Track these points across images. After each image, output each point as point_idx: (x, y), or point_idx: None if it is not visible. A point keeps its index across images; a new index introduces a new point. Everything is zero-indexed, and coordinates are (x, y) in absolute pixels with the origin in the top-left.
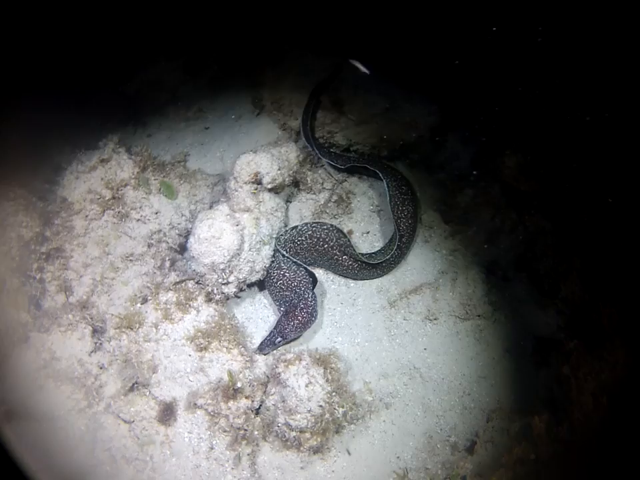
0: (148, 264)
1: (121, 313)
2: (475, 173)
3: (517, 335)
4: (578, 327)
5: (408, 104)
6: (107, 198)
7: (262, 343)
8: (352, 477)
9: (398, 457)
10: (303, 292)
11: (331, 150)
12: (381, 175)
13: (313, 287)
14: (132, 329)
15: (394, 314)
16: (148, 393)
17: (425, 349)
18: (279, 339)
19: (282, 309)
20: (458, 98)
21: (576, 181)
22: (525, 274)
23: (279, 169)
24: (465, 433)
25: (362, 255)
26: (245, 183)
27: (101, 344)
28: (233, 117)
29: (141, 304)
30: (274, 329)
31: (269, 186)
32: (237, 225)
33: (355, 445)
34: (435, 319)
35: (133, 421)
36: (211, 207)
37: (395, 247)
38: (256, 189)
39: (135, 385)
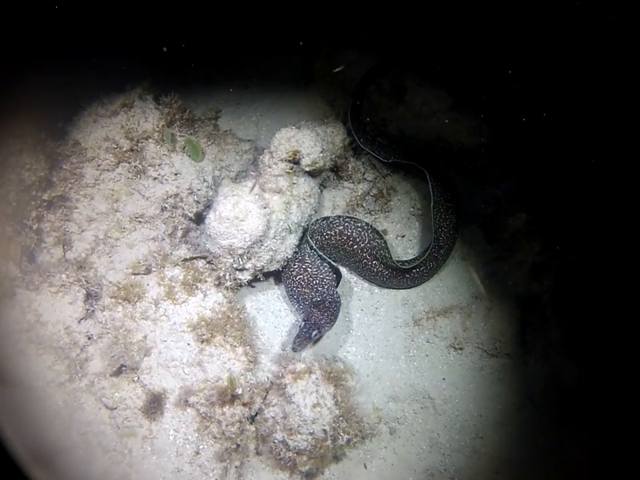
0: (158, 229)
1: (120, 281)
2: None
3: (544, 384)
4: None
5: (475, 108)
6: (124, 149)
7: (296, 339)
8: None
9: None
10: (326, 290)
11: (378, 139)
12: (428, 176)
13: (337, 284)
14: (129, 301)
15: (417, 333)
16: (136, 379)
17: (443, 378)
18: (315, 331)
19: (300, 305)
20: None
21: None
22: (563, 319)
23: (321, 151)
24: (470, 478)
25: (396, 261)
26: (282, 160)
27: (93, 311)
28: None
29: (144, 274)
30: (306, 322)
31: (307, 168)
32: (265, 208)
33: (352, 471)
34: (461, 349)
35: (116, 408)
36: (236, 179)
37: (431, 257)
38: (292, 169)
39: (123, 367)
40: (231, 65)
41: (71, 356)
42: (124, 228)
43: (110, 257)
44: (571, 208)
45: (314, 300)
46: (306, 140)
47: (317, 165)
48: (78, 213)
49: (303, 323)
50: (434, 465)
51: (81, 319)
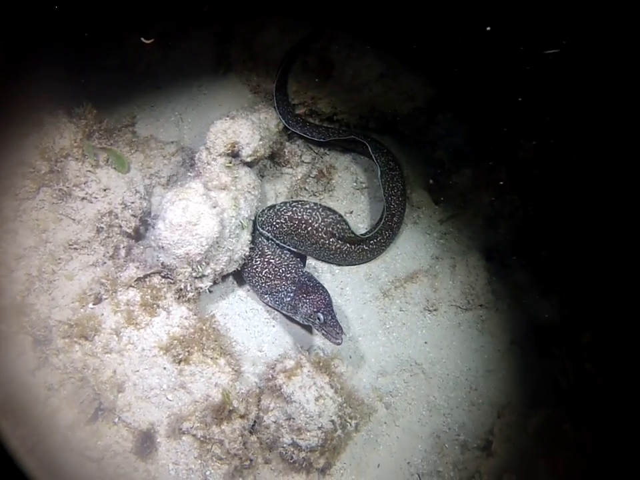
0: (97, 252)
1: (70, 318)
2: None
3: (522, 325)
4: (586, 318)
5: (407, 71)
6: (42, 172)
7: (331, 333)
8: None
9: (408, 463)
10: (296, 274)
11: (308, 120)
12: (370, 147)
13: (304, 265)
14: (86, 337)
15: (388, 304)
16: (117, 420)
17: (425, 342)
18: (330, 317)
19: (276, 299)
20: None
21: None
22: (525, 261)
23: (260, 139)
24: (474, 430)
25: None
26: (220, 155)
27: (46, 358)
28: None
29: (94, 304)
30: (323, 313)
31: (249, 159)
32: (215, 207)
33: (360, 454)
34: (435, 310)
35: (103, 458)
36: (168, 184)
37: (385, 225)
38: (230, 162)
39: (99, 411)
40: (138, 64)
41: (34, 414)
42: (59, 259)
43: (50, 293)
44: (517, 156)
45: (293, 292)
46: (243, 129)
47: (258, 154)
48: (2, 253)
49: (322, 316)
50: (437, 427)
51: (35, 370)
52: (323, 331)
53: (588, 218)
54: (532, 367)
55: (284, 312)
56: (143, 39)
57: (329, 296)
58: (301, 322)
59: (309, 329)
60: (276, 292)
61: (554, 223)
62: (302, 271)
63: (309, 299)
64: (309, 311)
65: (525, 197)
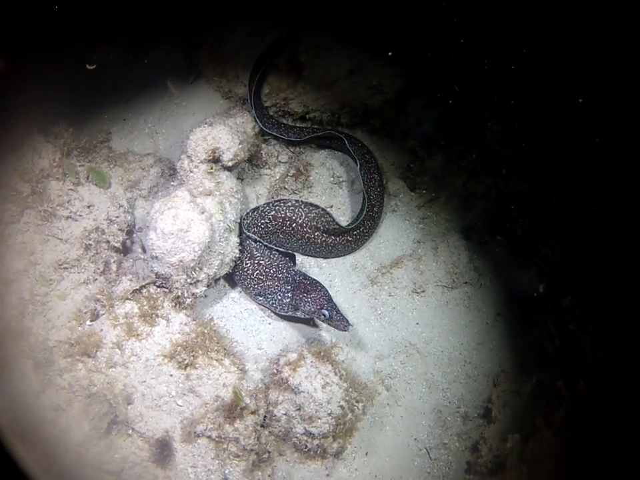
0: (87, 269)
1: (69, 337)
2: (448, 138)
3: (505, 297)
4: (565, 283)
5: (375, 66)
6: (24, 194)
7: (339, 326)
8: (377, 471)
9: (415, 439)
10: (288, 273)
11: (282, 121)
12: (347, 141)
13: (294, 264)
14: (88, 354)
15: (377, 291)
16: (131, 431)
17: (417, 323)
18: (335, 312)
19: (271, 300)
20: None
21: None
22: (502, 237)
23: (240, 143)
24: (473, 401)
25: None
26: (202, 161)
27: (49, 380)
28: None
29: (91, 321)
30: (327, 309)
31: (230, 163)
32: (204, 213)
33: (368, 437)
34: (423, 291)
35: (122, 470)
36: (149, 196)
37: (367, 216)
38: (212, 168)
39: (112, 425)
40: (105, 79)
41: (44, 436)
42: (50, 280)
43: (44, 315)
44: (486, 138)
45: (291, 292)
46: (222, 135)
47: (238, 158)
48: None
49: (326, 312)
50: (438, 402)
51: (39, 393)
52: (330, 324)
53: (558, 191)
54: (519, 335)
55: (282, 313)
56: (87, 65)
57: (327, 290)
58: (302, 317)
59: (303, 322)
60: (270, 293)
61: (527, 200)
62: (293, 270)
63: (310, 298)
64: (312, 309)
65: (496, 176)
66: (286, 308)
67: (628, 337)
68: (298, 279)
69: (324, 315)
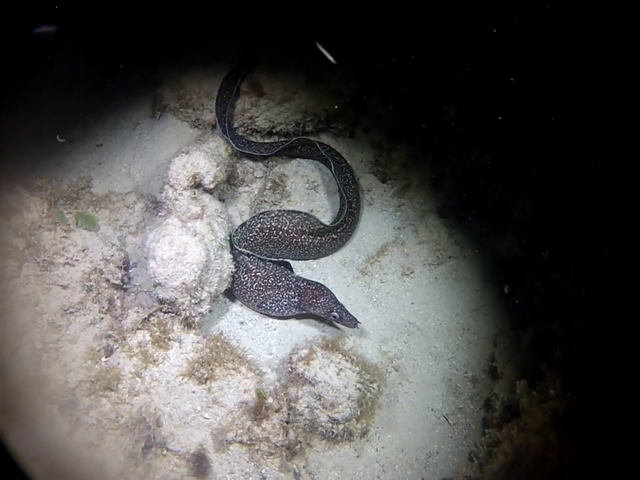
0: (92, 310)
1: (89, 376)
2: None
3: (490, 264)
4: (541, 239)
5: (329, 73)
6: (20, 248)
7: (349, 325)
8: (403, 445)
9: (432, 410)
10: (287, 280)
11: (252, 141)
12: (318, 145)
13: (292, 271)
14: (110, 388)
15: (369, 280)
16: (165, 452)
17: (412, 303)
18: (344, 313)
19: (279, 308)
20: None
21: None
22: (476, 209)
23: (217, 165)
24: (479, 364)
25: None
26: (185, 188)
27: (77, 420)
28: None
29: (107, 357)
30: (337, 311)
31: (212, 186)
32: (196, 235)
33: (388, 415)
34: (412, 272)
35: None
36: (137, 232)
37: (348, 213)
38: (195, 193)
39: (146, 450)
40: (74, 128)
41: (83, 472)
42: (59, 326)
43: (60, 361)
44: (442, 120)
45: (297, 298)
46: (200, 160)
47: (218, 179)
48: (2, 334)
49: (336, 314)
50: (446, 372)
51: (70, 433)
52: (341, 323)
53: (518, 157)
54: (509, 296)
55: (288, 315)
56: (58, 137)
57: (332, 292)
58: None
59: (306, 322)
60: (273, 302)
61: (491, 171)
62: (293, 277)
63: (320, 303)
64: (323, 312)
65: (460, 154)
66: (294, 310)
67: (605, 273)
68: (302, 285)
69: (334, 317)
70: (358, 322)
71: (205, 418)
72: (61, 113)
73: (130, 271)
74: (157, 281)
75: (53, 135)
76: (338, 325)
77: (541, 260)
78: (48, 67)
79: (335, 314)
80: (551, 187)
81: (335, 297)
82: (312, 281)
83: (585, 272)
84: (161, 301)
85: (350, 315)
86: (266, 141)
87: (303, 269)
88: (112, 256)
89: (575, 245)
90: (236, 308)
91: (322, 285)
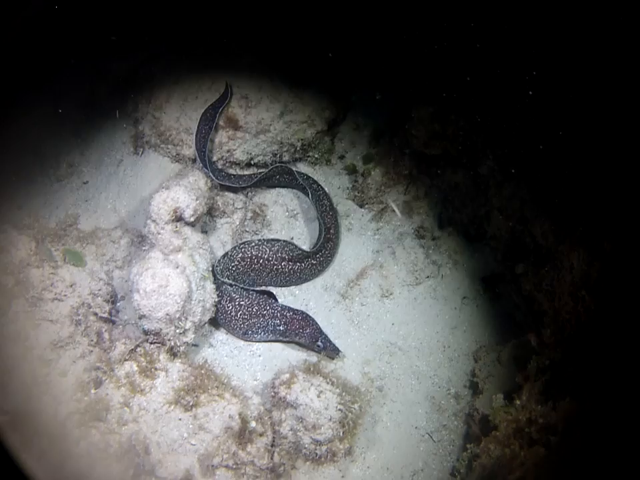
0: (82, 344)
1: (78, 408)
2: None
3: (467, 281)
4: (515, 254)
5: (301, 104)
6: (9, 286)
7: (331, 355)
8: (388, 464)
9: (416, 428)
10: (272, 309)
11: (231, 173)
12: (295, 173)
13: (276, 300)
14: (99, 419)
15: (350, 304)
16: (154, 479)
17: (392, 324)
18: (328, 343)
19: (266, 334)
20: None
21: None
22: (450, 228)
23: (196, 199)
24: (461, 380)
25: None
26: (166, 222)
27: (67, 451)
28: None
29: (96, 388)
30: (321, 341)
31: (192, 219)
32: (178, 267)
33: (373, 435)
34: (391, 294)
35: None
36: (123, 267)
37: (326, 238)
38: (177, 227)
39: (134, 478)
40: (59, 168)
41: None
42: (48, 360)
43: (50, 394)
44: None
45: (283, 326)
46: (180, 195)
47: (198, 212)
48: None
49: (321, 344)
50: (429, 389)
51: (61, 465)
52: (323, 352)
53: (489, 174)
54: (487, 311)
55: (272, 340)
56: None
57: (316, 322)
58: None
59: (290, 348)
60: (258, 329)
61: (464, 190)
62: (278, 306)
63: (306, 333)
64: (307, 342)
65: (432, 176)
66: (278, 337)
67: (575, 285)
68: (288, 314)
69: (318, 347)
70: (340, 351)
71: (192, 444)
72: (45, 153)
73: (118, 304)
74: (142, 313)
75: (39, 175)
76: (322, 352)
77: (515, 274)
78: (32, 107)
79: (320, 344)
80: (522, 200)
81: (320, 327)
82: (298, 310)
83: (556, 284)
84: (147, 332)
85: (333, 344)
86: (245, 172)
87: (285, 295)
88: (99, 290)
89: (546, 257)
90: (222, 337)
91: (307, 314)
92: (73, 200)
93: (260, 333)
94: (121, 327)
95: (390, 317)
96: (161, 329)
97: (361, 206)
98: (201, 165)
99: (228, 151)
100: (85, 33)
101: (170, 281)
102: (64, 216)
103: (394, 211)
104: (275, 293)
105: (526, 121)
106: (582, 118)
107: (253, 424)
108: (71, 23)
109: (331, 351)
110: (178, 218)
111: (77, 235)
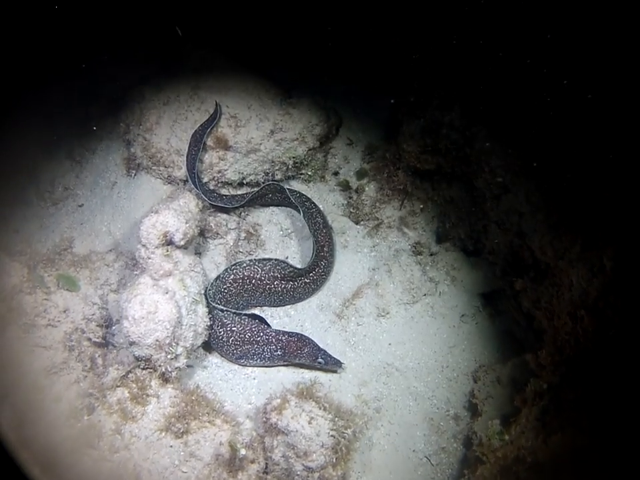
0: (75, 369)
1: (70, 435)
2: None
3: (466, 298)
4: (515, 268)
5: (290, 121)
6: (2, 312)
7: (333, 368)
8: None
9: (414, 451)
10: (266, 335)
11: (223, 194)
12: (287, 191)
13: (268, 325)
14: (91, 446)
15: (346, 324)
16: None
17: (389, 344)
18: (328, 357)
19: (262, 360)
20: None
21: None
22: (448, 243)
23: (186, 222)
24: (460, 401)
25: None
26: (156, 247)
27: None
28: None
29: (88, 415)
30: (322, 358)
31: (182, 242)
32: (167, 293)
33: (369, 459)
34: (387, 313)
35: None
36: (118, 290)
37: (319, 257)
38: (168, 251)
39: None
40: (55, 191)
41: None
42: (42, 387)
43: (43, 421)
44: (405, 158)
45: (280, 351)
46: (169, 219)
47: (188, 236)
48: None
49: (321, 360)
50: (427, 410)
51: None
52: (325, 368)
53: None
54: (487, 329)
55: (270, 365)
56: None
57: (313, 341)
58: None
59: (285, 370)
60: (253, 355)
61: (460, 204)
62: (273, 331)
63: (305, 353)
64: (308, 361)
65: (427, 189)
66: (276, 362)
67: (574, 303)
68: (283, 338)
69: (320, 363)
70: (342, 363)
71: (183, 472)
72: (40, 176)
73: (113, 327)
74: (132, 340)
75: (34, 198)
76: (324, 368)
77: (515, 289)
78: (26, 130)
79: (321, 360)
80: (520, 213)
81: (317, 344)
82: (292, 333)
83: (555, 302)
84: (138, 359)
85: (334, 358)
86: (238, 192)
87: (281, 316)
88: (93, 314)
89: (545, 273)
90: (216, 360)
91: (302, 335)
92: (68, 223)
93: (256, 360)
94: (115, 351)
95: (387, 336)
96: (151, 355)
97: (357, 222)
98: (192, 186)
99: (219, 172)
100: (76, 54)
101: (159, 307)
102: (59, 240)
103: (390, 227)
104: (268, 315)
105: (522, 130)
106: (579, 126)
107: (243, 451)
108: (62, 44)
109: (333, 364)
110: (168, 242)
111: (71, 259)
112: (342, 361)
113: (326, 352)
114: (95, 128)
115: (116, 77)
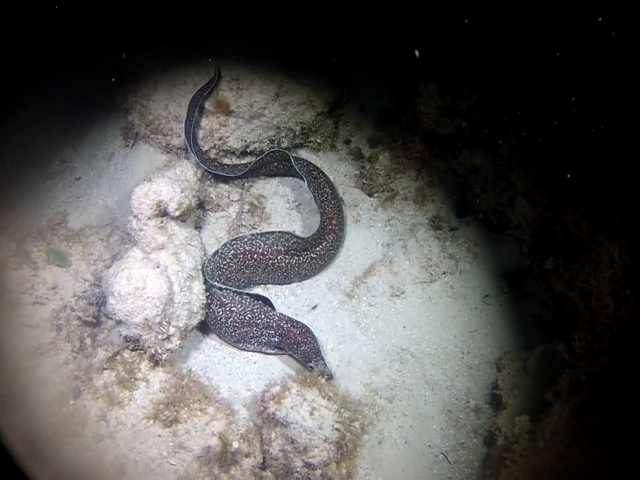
0: (64, 350)
1: (53, 422)
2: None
3: (489, 277)
4: (544, 245)
5: (297, 84)
6: None
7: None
8: None
9: (429, 446)
10: (267, 317)
11: (224, 163)
12: (292, 159)
13: (273, 307)
14: (74, 434)
15: (356, 304)
16: None
17: (404, 327)
18: (313, 365)
19: (258, 344)
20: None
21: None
22: (469, 217)
23: (182, 191)
24: (481, 391)
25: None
26: (149, 218)
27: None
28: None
29: (74, 399)
30: (314, 359)
31: (177, 213)
32: (158, 267)
33: (379, 454)
34: (402, 293)
35: None
36: (113, 262)
37: (326, 230)
38: (162, 222)
39: None
40: (51, 163)
41: None
42: (27, 369)
43: (26, 407)
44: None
45: (278, 338)
46: (162, 187)
47: (184, 206)
48: None
49: (313, 364)
50: (445, 401)
51: None
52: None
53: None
54: (513, 312)
55: (266, 351)
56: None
57: (316, 339)
58: None
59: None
60: (251, 339)
61: (484, 174)
62: (275, 315)
63: (300, 351)
64: (300, 359)
65: (447, 158)
66: (273, 348)
67: (617, 281)
68: (285, 325)
69: (310, 368)
70: (333, 378)
71: (171, 464)
72: (37, 151)
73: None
74: (118, 318)
75: (31, 174)
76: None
77: (545, 269)
78: (23, 106)
79: (312, 365)
80: (550, 183)
81: (317, 346)
82: (297, 323)
83: (593, 281)
84: (126, 339)
85: (328, 370)
86: (242, 162)
87: (285, 295)
88: (84, 292)
89: (580, 249)
90: (214, 342)
91: (308, 329)
92: (64, 197)
93: (253, 343)
94: (106, 331)
95: (401, 318)
96: (140, 335)
97: (370, 195)
98: (191, 153)
99: (220, 139)
100: (71, 26)
101: (147, 282)
102: (52, 214)
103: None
104: (272, 294)
105: (553, 91)
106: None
107: (236, 445)
108: (56, 17)
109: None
110: (162, 212)
111: (64, 233)
112: (333, 375)
113: (323, 360)
114: (92, 99)
115: (112, 46)
